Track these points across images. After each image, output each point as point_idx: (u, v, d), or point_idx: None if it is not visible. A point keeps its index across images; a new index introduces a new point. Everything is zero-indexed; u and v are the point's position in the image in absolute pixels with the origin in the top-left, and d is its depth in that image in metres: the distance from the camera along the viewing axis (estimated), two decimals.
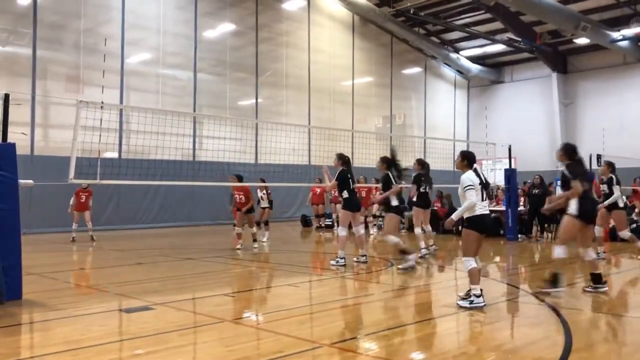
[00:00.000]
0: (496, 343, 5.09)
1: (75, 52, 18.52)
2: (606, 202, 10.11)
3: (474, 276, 6.38)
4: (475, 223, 6.48)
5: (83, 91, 18.09)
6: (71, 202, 14.25)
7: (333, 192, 19.10)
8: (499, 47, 27.89)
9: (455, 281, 8.88)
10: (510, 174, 14.95)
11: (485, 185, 6.57)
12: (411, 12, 24.42)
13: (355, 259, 10.09)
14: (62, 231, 15.66)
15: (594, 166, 19.25)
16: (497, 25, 26.06)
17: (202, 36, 21.50)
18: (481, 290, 6.32)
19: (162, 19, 20.40)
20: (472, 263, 6.40)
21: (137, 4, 19.77)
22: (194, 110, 20.75)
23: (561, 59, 28.84)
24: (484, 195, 6.55)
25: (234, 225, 14.77)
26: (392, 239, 9.21)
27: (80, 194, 14.13)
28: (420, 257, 10.66)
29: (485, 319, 5.94)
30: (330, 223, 18.99)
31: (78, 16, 18.50)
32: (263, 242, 13.83)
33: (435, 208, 17.49)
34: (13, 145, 6.96)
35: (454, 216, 6.73)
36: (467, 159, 6.71)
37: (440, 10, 25.75)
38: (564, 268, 7.54)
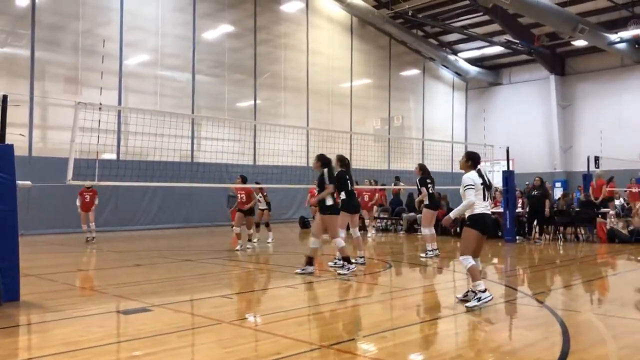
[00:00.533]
0: (494, 345, 5.09)
1: (73, 53, 18.52)
2: None
3: (475, 272, 6.38)
4: (476, 222, 6.49)
5: (81, 92, 18.09)
6: (77, 202, 14.33)
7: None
8: (497, 49, 27.96)
9: (454, 282, 8.88)
10: (508, 175, 14.96)
11: (487, 185, 6.56)
12: (409, 14, 24.48)
13: (353, 260, 10.08)
14: (60, 232, 15.66)
15: (592, 168, 19.31)
16: (495, 27, 26.12)
17: (201, 38, 21.51)
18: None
19: (161, 20, 20.41)
20: (470, 260, 6.40)
21: (136, 6, 19.78)
22: (193, 112, 20.76)
23: (559, 61, 28.92)
24: (486, 196, 6.54)
25: (233, 226, 14.77)
26: (314, 242, 8.82)
27: (84, 193, 14.24)
28: (425, 257, 11.04)
29: (483, 321, 5.95)
30: None
31: (77, 17, 18.50)
32: (268, 243, 14.10)
33: None
34: (11, 147, 6.96)
35: (452, 214, 6.73)
36: (472, 160, 6.69)
37: (439, 12, 25.81)
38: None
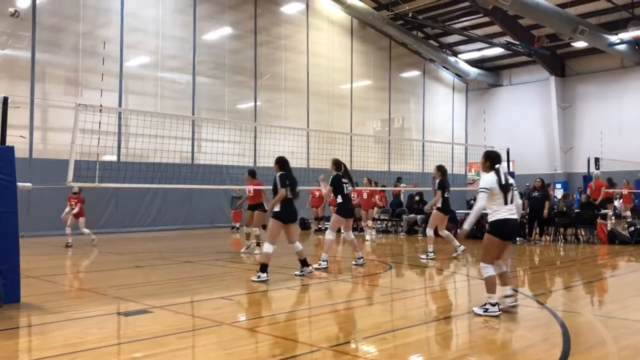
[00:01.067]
0: (495, 346, 5.09)
1: (74, 55, 18.54)
2: None
3: (490, 285, 6.06)
4: (496, 228, 6.10)
5: (82, 94, 18.10)
6: (67, 209, 13.94)
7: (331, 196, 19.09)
8: (497, 51, 27.96)
9: (454, 284, 8.88)
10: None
11: (504, 186, 6.09)
12: (410, 15, 24.49)
13: (353, 262, 10.11)
14: (60, 234, 15.63)
15: (592, 169, 19.30)
16: (496, 28, 26.13)
17: (201, 39, 21.53)
18: (499, 302, 6.05)
19: (161, 22, 20.43)
20: (489, 270, 6.09)
21: (136, 8, 19.80)
22: (193, 114, 20.78)
23: (559, 63, 28.93)
24: (507, 199, 6.08)
25: (232, 228, 14.84)
26: (268, 247, 8.34)
27: (70, 200, 13.75)
28: (426, 258, 11.11)
29: (483, 322, 5.94)
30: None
31: (77, 19, 18.52)
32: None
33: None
34: (12, 149, 6.96)
35: (466, 225, 6.37)
36: (490, 160, 6.25)
37: (439, 13, 25.81)
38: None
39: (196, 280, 8.66)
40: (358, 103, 26.94)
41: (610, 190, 18.05)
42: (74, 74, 18.63)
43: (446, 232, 11.67)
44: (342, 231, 10.41)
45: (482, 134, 30.31)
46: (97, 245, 13.71)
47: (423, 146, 26.38)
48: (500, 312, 5.98)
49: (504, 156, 15.51)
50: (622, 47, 24.50)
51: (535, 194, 14.71)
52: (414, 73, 30.22)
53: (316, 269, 9.36)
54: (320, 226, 18.85)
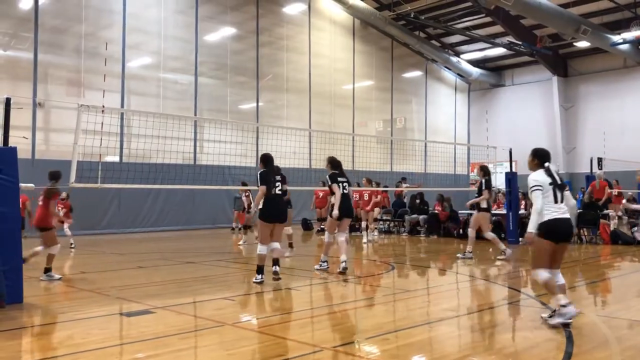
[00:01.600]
0: (498, 346, 5.08)
1: (76, 56, 18.57)
2: None
3: (551, 287, 5.61)
4: (547, 229, 5.61)
5: (84, 95, 18.12)
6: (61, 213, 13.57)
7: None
8: (499, 51, 27.93)
9: (457, 284, 8.87)
10: (511, 177, 14.94)
11: (558, 185, 5.68)
12: (412, 15, 24.49)
13: (316, 266, 9.63)
14: (62, 235, 15.63)
15: (595, 169, 19.27)
16: (498, 28, 26.10)
17: (203, 40, 21.55)
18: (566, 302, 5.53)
19: (163, 23, 20.45)
20: (543, 274, 5.62)
21: (138, 8, 19.82)
22: (195, 114, 20.79)
23: (562, 63, 28.89)
24: (558, 197, 5.65)
25: (232, 229, 14.82)
26: (259, 248, 8.21)
27: (58, 205, 12.43)
28: (465, 258, 11.06)
29: (486, 323, 5.93)
30: None
31: (79, 20, 18.55)
32: (240, 245, 14.01)
33: (437, 211, 17.50)
34: (14, 149, 6.98)
35: (530, 228, 5.69)
36: (538, 157, 5.88)
37: (441, 13, 25.80)
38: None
39: (198, 281, 8.66)
40: (360, 103, 26.94)
41: (612, 191, 18.00)
42: (77, 75, 18.66)
43: (491, 234, 11.30)
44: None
45: (485, 134, 30.25)
46: (76, 249, 13.30)
47: (425, 146, 26.37)
48: (577, 311, 5.57)
49: (506, 156, 15.50)
50: (625, 46, 24.45)
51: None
52: (416, 73, 30.20)
53: (317, 269, 9.30)
54: (323, 226, 18.83)
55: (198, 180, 17.10)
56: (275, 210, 8.26)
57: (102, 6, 19.27)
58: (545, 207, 5.62)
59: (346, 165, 9.99)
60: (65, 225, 13.53)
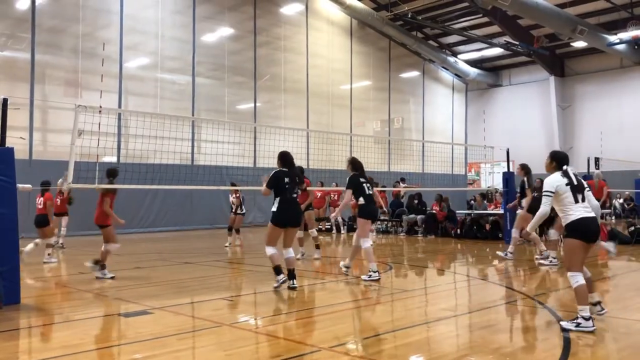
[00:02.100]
0: (494, 346, 5.09)
1: (73, 56, 18.55)
2: None
3: (582, 295, 5.48)
4: (575, 229, 5.52)
5: (81, 95, 18.10)
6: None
7: (333, 195, 18.96)
8: (496, 51, 27.98)
9: (454, 284, 8.88)
10: (508, 177, 14.96)
11: (575, 186, 5.63)
12: (409, 16, 24.51)
13: (342, 266, 9.32)
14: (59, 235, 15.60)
15: (592, 169, 19.30)
16: (495, 29, 26.15)
17: (201, 40, 21.54)
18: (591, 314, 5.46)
19: (161, 23, 20.44)
20: (579, 279, 5.50)
21: (136, 9, 19.80)
22: (193, 115, 20.78)
23: (559, 63, 28.95)
24: (578, 198, 5.59)
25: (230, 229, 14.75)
26: (267, 250, 7.80)
27: (57, 197, 13.07)
28: (506, 258, 10.95)
29: (483, 323, 5.94)
30: (329, 226, 19.09)
31: (77, 21, 18.53)
32: (226, 246, 13.81)
33: (435, 211, 17.52)
34: (11, 150, 6.97)
35: (529, 228, 5.98)
36: (556, 160, 5.82)
37: (438, 14, 25.83)
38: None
39: (196, 281, 8.66)
40: (358, 104, 26.95)
41: (611, 190, 18.03)
42: (74, 75, 18.64)
43: (534, 234, 11.08)
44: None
45: (482, 134, 30.34)
46: (73, 249, 13.24)
47: (423, 146, 26.37)
48: (595, 328, 5.36)
49: (503, 156, 15.51)
50: (622, 47, 24.51)
51: (535, 194, 14.68)
52: (414, 73, 30.23)
53: (365, 280, 8.49)
54: (320, 227, 18.84)
55: (196, 181, 17.08)
56: (286, 214, 7.77)
57: (99, 6, 19.26)
58: (566, 208, 5.58)
59: (344, 166, 9.88)
60: (63, 222, 13.56)
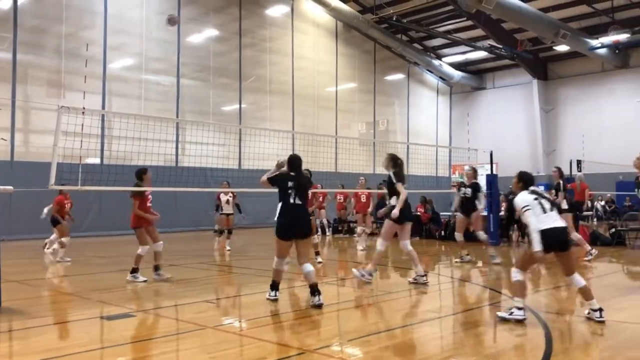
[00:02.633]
0: (478, 347, 5.13)
1: (56, 56, 18.36)
2: None
3: (518, 289, 5.93)
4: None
5: (64, 96, 17.91)
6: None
7: (334, 196, 18.64)
8: (480, 54, 28.22)
9: (439, 285, 8.93)
10: (491, 179, 15.07)
11: (544, 197, 5.92)
12: (394, 19, 24.64)
13: (410, 279, 8.90)
14: (42, 238, 15.43)
15: (575, 171, 19.54)
16: (479, 32, 26.37)
17: (186, 42, 21.44)
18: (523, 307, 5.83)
19: (145, 24, 20.31)
20: (517, 276, 5.96)
21: (120, 9, 19.66)
22: (177, 116, 20.67)
23: (542, 66, 29.27)
24: (546, 207, 5.81)
25: (215, 231, 14.70)
26: (275, 262, 7.10)
27: (65, 200, 12.78)
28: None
29: (467, 324, 5.98)
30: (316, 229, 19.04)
31: (59, 20, 18.35)
32: (229, 249, 13.60)
33: (419, 213, 17.59)
34: None
35: (537, 246, 5.72)
36: (523, 181, 6.12)
37: (423, 17, 25.99)
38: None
39: (180, 284, 8.61)
40: (343, 106, 27.00)
41: (592, 193, 18.24)
42: (57, 76, 18.44)
43: (578, 235, 11.25)
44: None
45: (466, 136, 30.55)
46: (82, 249, 13.50)
47: (407, 149, 26.43)
48: (526, 317, 5.75)
49: (487, 158, 15.63)
50: (603, 51, 24.87)
51: (512, 196, 14.79)
52: (399, 76, 30.36)
53: (356, 277, 8.36)
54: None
55: (180, 183, 16.98)
56: (289, 224, 6.75)
57: (83, 6, 19.09)
58: (535, 219, 5.78)
59: (329, 168, 9.90)
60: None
